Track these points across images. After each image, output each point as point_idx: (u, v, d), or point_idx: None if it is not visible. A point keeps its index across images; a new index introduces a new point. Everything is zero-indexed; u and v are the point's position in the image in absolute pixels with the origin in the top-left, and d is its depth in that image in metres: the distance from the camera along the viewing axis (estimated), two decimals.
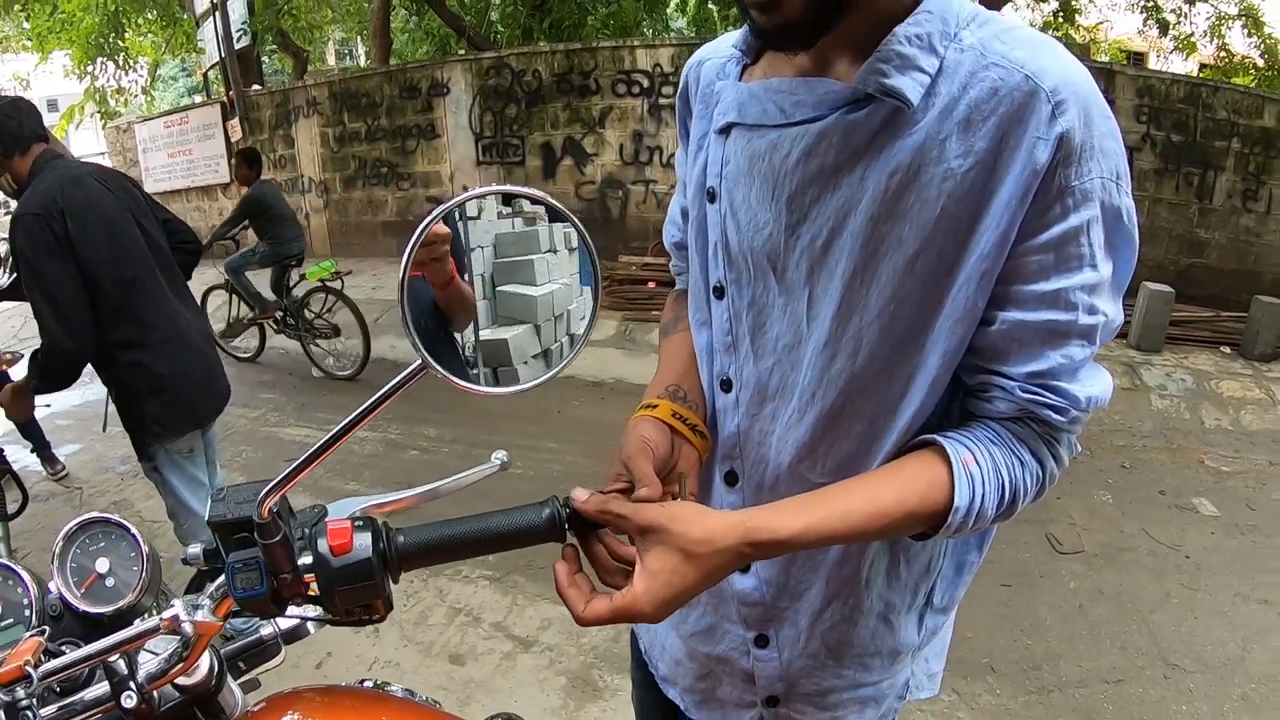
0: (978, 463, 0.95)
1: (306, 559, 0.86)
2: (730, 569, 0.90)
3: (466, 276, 0.91)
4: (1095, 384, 0.97)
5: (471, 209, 0.91)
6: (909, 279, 0.95)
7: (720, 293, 1.13)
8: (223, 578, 0.86)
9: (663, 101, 9.42)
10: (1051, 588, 3.87)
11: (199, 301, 5.16)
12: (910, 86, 0.89)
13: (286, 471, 0.81)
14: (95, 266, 2.74)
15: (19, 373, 3.04)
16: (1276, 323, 7.19)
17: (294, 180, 12.23)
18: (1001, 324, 0.94)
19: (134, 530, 1.09)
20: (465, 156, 10.57)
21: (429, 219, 0.83)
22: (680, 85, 1.23)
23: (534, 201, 0.93)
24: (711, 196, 1.11)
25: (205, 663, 0.97)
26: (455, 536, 0.90)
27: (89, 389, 7.14)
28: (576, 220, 0.93)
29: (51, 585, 1.07)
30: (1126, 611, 3.69)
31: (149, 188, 13.67)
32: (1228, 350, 7.37)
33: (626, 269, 8.72)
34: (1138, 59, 16.99)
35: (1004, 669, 3.29)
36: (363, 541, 0.86)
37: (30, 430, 5.19)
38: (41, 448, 5.31)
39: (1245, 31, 12.68)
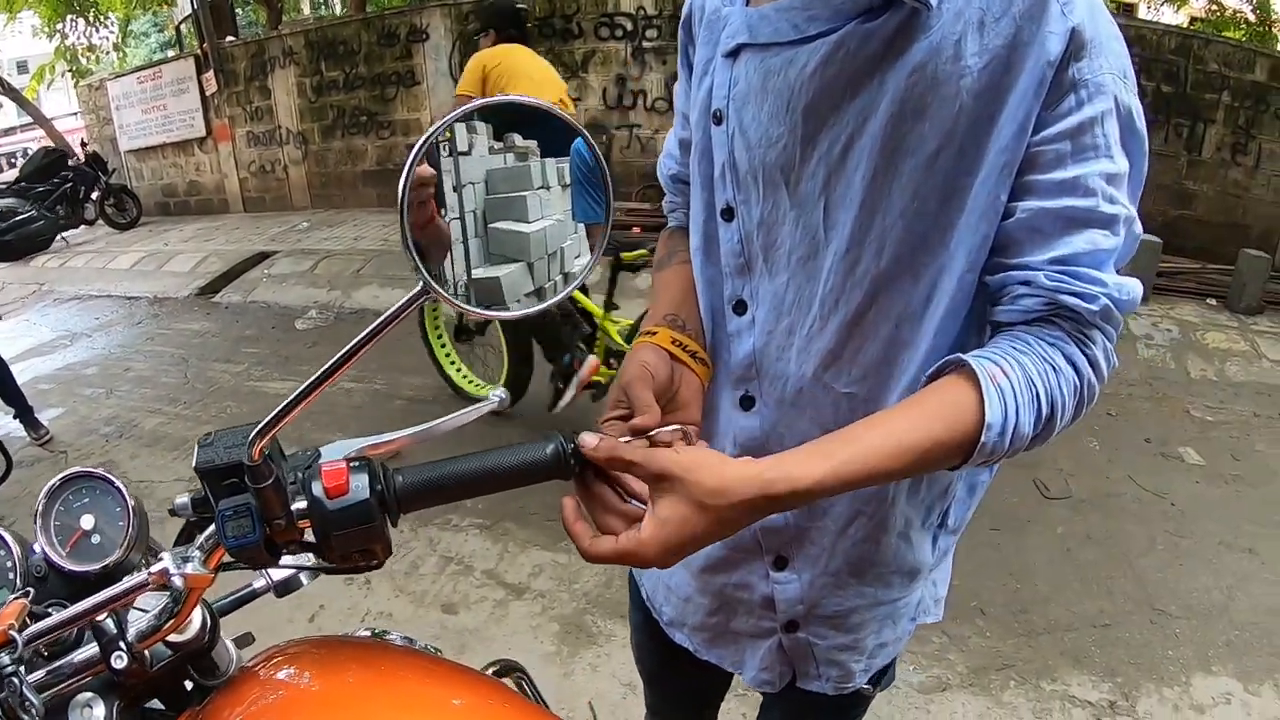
0: (1007, 376, 0.90)
1: (301, 503, 0.82)
2: (745, 523, 0.86)
3: (447, 215, 0.86)
4: (1124, 279, 0.95)
5: (462, 144, 0.87)
6: (931, 176, 0.95)
7: (729, 215, 1.12)
8: (213, 527, 0.82)
9: (646, 45, 9.30)
10: (1039, 532, 3.90)
11: None
12: None
13: (277, 410, 0.77)
14: None
15: None
16: (1262, 276, 7.19)
17: (271, 132, 12.10)
18: (1022, 214, 0.94)
19: (119, 483, 1.04)
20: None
21: (439, 125, 0.79)
22: (683, 14, 1.21)
23: (544, 112, 0.88)
24: (718, 119, 1.10)
25: (197, 618, 0.93)
26: (456, 475, 0.86)
27: (70, 351, 7.12)
28: (585, 132, 0.90)
29: (35, 545, 1.02)
30: (1113, 557, 3.71)
31: (124, 145, 13.67)
32: (1213, 302, 7.36)
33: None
34: (1128, 9, 16.93)
35: (993, 612, 3.31)
36: (359, 482, 0.82)
37: (11, 395, 5.14)
38: (23, 412, 5.24)
39: None
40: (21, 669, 0.80)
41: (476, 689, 0.98)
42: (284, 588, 1.09)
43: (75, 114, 16.16)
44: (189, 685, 1.00)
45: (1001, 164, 0.92)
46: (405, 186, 0.76)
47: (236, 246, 10.22)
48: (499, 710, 0.95)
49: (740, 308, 1.14)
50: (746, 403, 1.16)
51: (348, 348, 0.77)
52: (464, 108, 0.82)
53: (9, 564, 0.99)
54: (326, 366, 0.77)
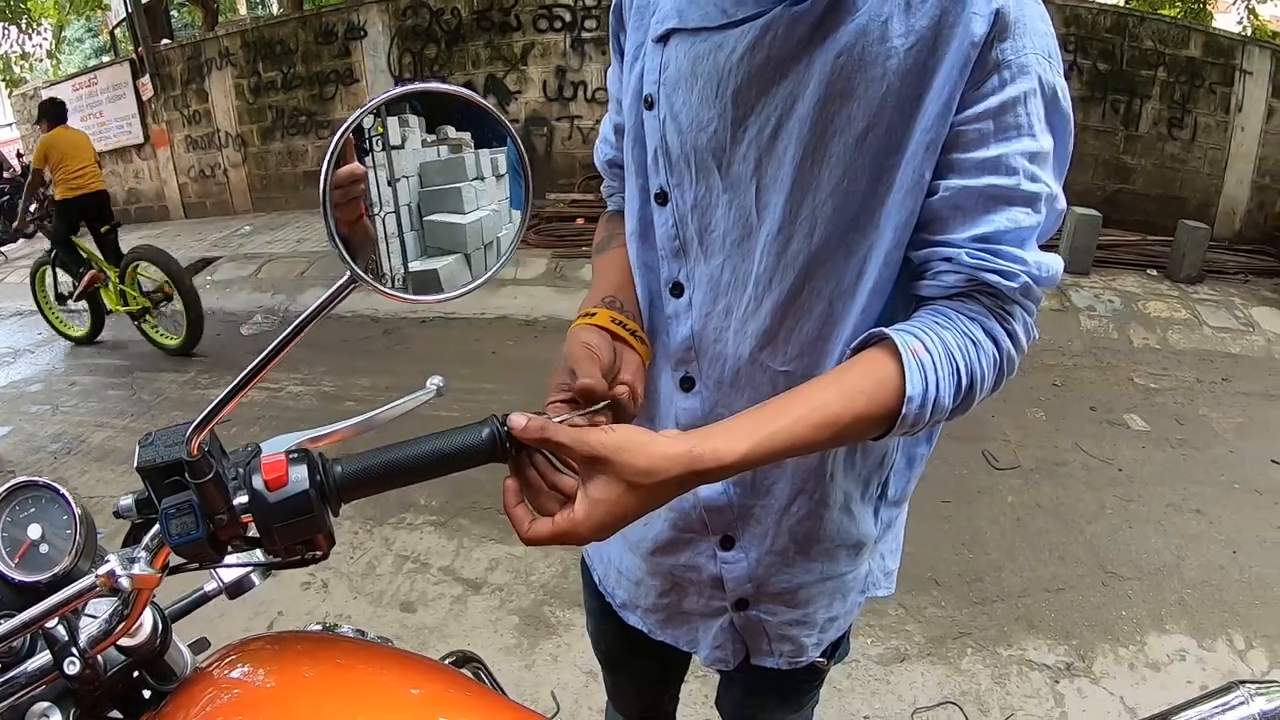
0: (927, 350, 0.92)
1: (242, 498, 0.82)
2: (673, 496, 0.88)
3: (381, 210, 0.86)
4: (1044, 256, 0.98)
5: (395, 137, 0.87)
6: (859, 155, 0.96)
7: (663, 199, 1.13)
8: (157, 527, 0.82)
9: (585, 36, 9.32)
10: (990, 502, 3.96)
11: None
12: None
13: (212, 405, 0.77)
14: None
15: None
16: (1201, 246, 7.39)
17: (210, 136, 11.90)
18: (945, 192, 0.95)
19: (65, 492, 1.03)
20: None
21: (355, 116, 0.78)
22: (614, 1, 1.22)
23: (462, 101, 0.87)
24: (649, 104, 1.11)
25: (148, 622, 0.93)
26: (394, 462, 0.87)
27: (13, 368, 6.98)
28: (500, 115, 0.89)
29: None
30: (1064, 523, 3.79)
31: None
32: (1154, 273, 7.54)
33: (554, 206, 8.68)
34: None
35: (947, 581, 3.37)
36: (298, 474, 0.82)
37: None
38: None
39: None
40: None
41: (432, 677, 0.98)
42: (236, 589, 1.09)
43: (9, 124, 15.81)
44: (146, 694, 1.00)
45: (926, 142, 0.94)
46: (326, 180, 0.76)
47: (179, 254, 9.92)
48: (455, 697, 0.95)
49: (677, 290, 1.15)
50: (687, 384, 1.17)
51: (278, 340, 0.78)
52: (375, 100, 0.80)
53: None
54: (258, 360, 0.78)
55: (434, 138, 0.91)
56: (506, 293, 7.19)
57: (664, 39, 1.08)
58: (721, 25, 1.00)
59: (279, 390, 5.67)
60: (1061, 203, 0.99)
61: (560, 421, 0.88)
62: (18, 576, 0.98)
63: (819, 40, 0.94)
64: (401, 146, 0.88)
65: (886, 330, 0.95)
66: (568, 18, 9.40)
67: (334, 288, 0.77)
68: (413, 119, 0.88)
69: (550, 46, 9.51)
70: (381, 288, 0.83)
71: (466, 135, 0.92)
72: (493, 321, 6.94)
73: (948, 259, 0.96)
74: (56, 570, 0.99)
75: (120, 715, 0.99)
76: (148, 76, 11.82)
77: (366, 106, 0.79)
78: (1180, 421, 4.88)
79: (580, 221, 8.27)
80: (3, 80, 15.14)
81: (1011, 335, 0.98)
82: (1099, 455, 4.38)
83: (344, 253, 0.78)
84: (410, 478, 0.88)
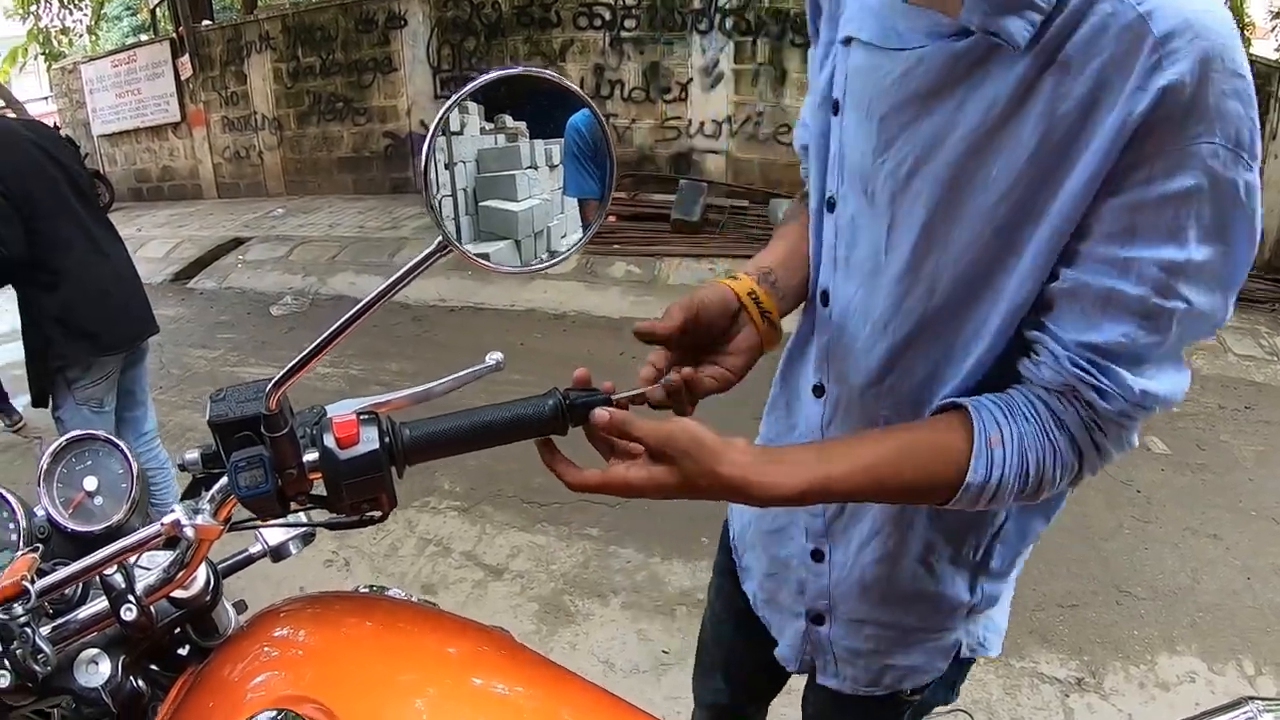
0: (1003, 441, 0.90)
1: (312, 455, 0.85)
2: (721, 498, 0.93)
3: (438, 193, 0.89)
4: (1160, 379, 0.88)
5: (454, 124, 0.90)
6: (991, 222, 0.90)
7: (832, 206, 1.11)
8: (222, 481, 0.85)
9: (624, 35, 9.31)
10: None
11: None
12: (1019, 28, 0.83)
13: (294, 362, 0.80)
14: (16, 195, 2.81)
15: None
16: None
17: (246, 118, 12.01)
18: (1064, 281, 0.88)
19: (123, 446, 1.07)
20: (422, 91, 10.41)
21: (465, 91, 0.82)
22: None
23: (558, 88, 0.90)
24: (835, 108, 1.08)
25: (202, 576, 0.96)
26: (459, 429, 0.90)
27: None
28: (590, 102, 0.92)
29: (37, 508, 1.04)
30: (1080, 540, 3.77)
31: (97, 130, 13.47)
32: None
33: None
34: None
35: None
36: (369, 434, 0.85)
37: None
38: None
39: None
40: (33, 621, 0.82)
41: (474, 639, 1.01)
42: (279, 553, 1.12)
43: (47, 98, 15.92)
44: (184, 651, 1.03)
45: (1061, 222, 0.86)
46: (430, 146, 0.81)
47: (211, 232, 10.15)
48: (507, 658, 0.97)
49: (824, 299, 1.14)
50: (818, 390, 1.18)
51: (368, 299, 0.79)
52: (486, 76, 0.83)
53: (12, 525, 1.01)
54: (342, 321, 0.80)
55: (492, 125, 0.93)
56: (536, 286, 7.21)
57: (847, 42, 1.04)
58: (888, 47, 0.96)
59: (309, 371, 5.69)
60: (1211, 315, 0.87)
61: (620, 398, 0.94)
62: (72, 526, 1.02)
63: (974, 83, 0.88)
64: (460, 133, 0.91)
65: (970, 406, 0.94)
66: (607, 16, 9.39)
67: (426, 251, 0.79)
68: (472, 106, 0.90)
69: (589, 44, 9.52)
70: (475, 257, 0.87)
71: (522, 125, 0.94)
72: (522, 314, 6.97)
73: (1052, 354, 0.90)
74: (110, 522, 1.03)
75: (157, 668, 1.02)
76: (187, 56, 11.95)
77: (476, 83, 0.82)
78: (1201, 446, 4.84)
79: (613, 219, 8.27)
80: (43, 54, 15.25)
81: (1099, 448, 0.92)
82: (1118, 475, 4.35)
83: (441, 220, 0.82)
84: (473, 444, 0.91)
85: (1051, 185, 0.85)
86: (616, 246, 7.70)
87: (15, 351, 6.50)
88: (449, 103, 0.82)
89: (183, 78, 12.22)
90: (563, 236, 1.00)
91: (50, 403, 3.13)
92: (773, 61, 8.88)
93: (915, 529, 1.13)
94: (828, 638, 1.28)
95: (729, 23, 8.92)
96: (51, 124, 13.86)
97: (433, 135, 0.81)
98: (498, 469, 4.08)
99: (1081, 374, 0.87)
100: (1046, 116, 0.84)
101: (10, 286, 3.03)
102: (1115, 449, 0.93)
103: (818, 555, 1.24)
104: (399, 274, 0.80)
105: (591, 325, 6.67)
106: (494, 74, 0.84)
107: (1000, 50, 0.85)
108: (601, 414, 0.92)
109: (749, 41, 8.96)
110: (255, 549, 1.13)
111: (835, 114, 1.08)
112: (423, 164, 0.82)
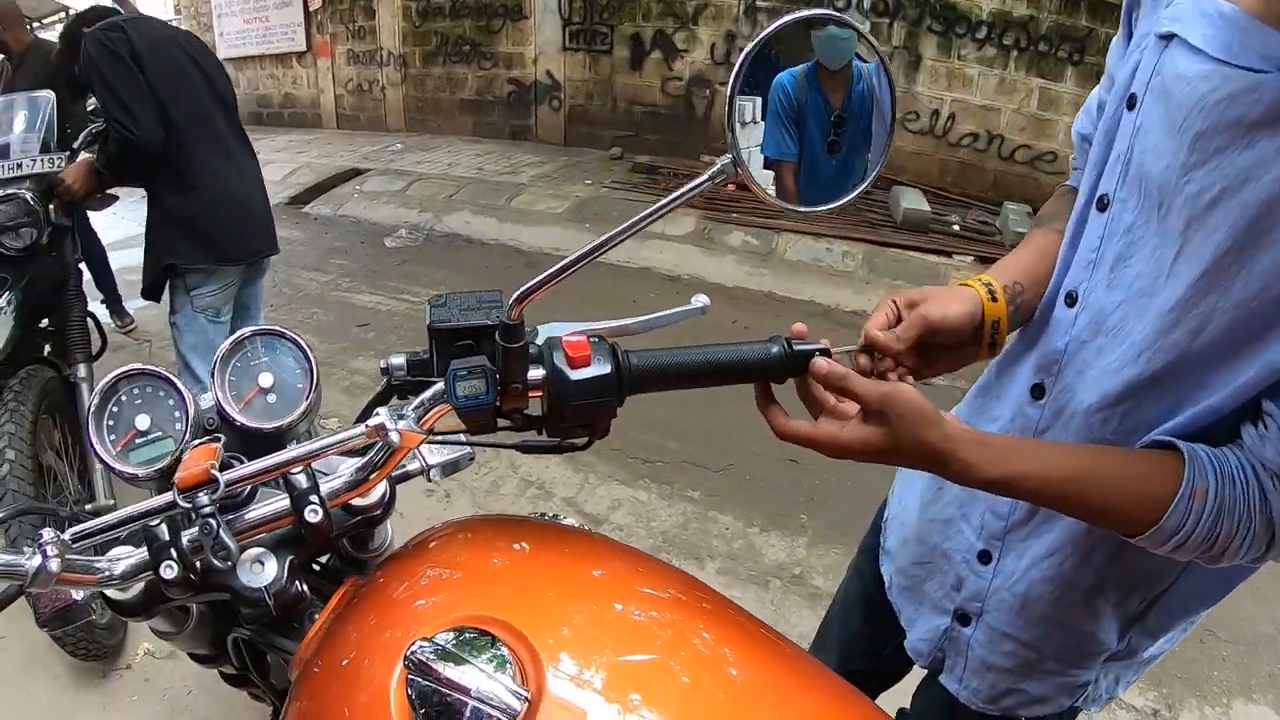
0: (1205, 497, 0.87)
1: (536, 373, 0.84)
2: (921, 467, 0.94)
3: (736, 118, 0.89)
4: None
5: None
6: (1279, 284, 0.84)
7: (1104, 205, 1.03)
8: (432, 390, 0.83)
9: (760, 4, 9.08)
10: None
11: None
12: None
13: (544, 276, 0.78)
14: (156, 87, 2.88)
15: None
16: None
17: (372, 52, 12.14)
18: None
19: (304, 343, 1.04)
20: (550, 41, 10.38)
21: (775, 27, 0.85)
22: None
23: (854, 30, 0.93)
24: (1131, 103, 1.00)
25: (381, 486, 0.94)
26: (685, 364, 0.90)
27: None
28: (884, 57, 0.93)
29: (206, 397, 1.02)
30: None
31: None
32: None
33: (707, 168, 8.59)
34: None
35: None
36: (602, 357, 0.85)
37: (104, 282, 5.26)
38: (113, 300, 5.39)
39: None
40: (217, 513, 0.80)
41: (666, 575, 0.97)
42: (450, 468, 1.09)
43: (176, 18, 16.32)
44: (335, 562, 1.02)
45: None
46: (739, 73, 0.85)
47: (329, 161, 10.35)
48: (692, 600, 0.92)
49: (1071, 300, 1.07)
50: (1037, 391, 1.12)
51: (633, 220, 0.78)
52: (791, 16, 0.86)
53: (179, 413, 0.98)
54: (603, 239, 0.78)
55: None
56: (653, 245, 7.14)
57: (1167, 38, 0.95)
58: (1219, 59, 0.88)
59: (418, 304, 5.77)
60: None
61: (837, 354, 0.95)
62: (244, 420, 1.00)
63: None
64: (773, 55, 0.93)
65: (1186, 452, 0.90)
66: None
67: (714, 169, 0.80)
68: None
69: (723, 9, 9.32)
70: (755, 185, 0.87)
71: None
72: (637, 271, 6.90)
73: None
74: (283, 422, 1.00)
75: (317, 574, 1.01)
76: None
77: (784, 21, 0.87)
78: None
79: (732, 187, 8.20)
80: None
81: None
82: None
83: (735, 141, 0.83)
84: (697, 382, 0.91)
85: None
86: (735, 215, 7.58)
87: (131, 256, 6.73)
88: (761, 37, 0.86)
89: (311, 8, 12.41)
90: None
91: (170, 308, 3.21)
92: (908, 46, 8.66)
93: (1091, 562, 1.10)
94: (968, 640, 1.26)
95: (868, 2, 8.71)
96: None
97: (742, 63, 0.85)
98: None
99: None
100: None
101: (142, 189, 3.10)
102: None
103: (985, 556, 1.21)
104: (685, 189, 0.80)
105: (705, 290, 6.52)
106: (806, 13, 0.87)
107: None
108: (822, 363, 0.92)
109: (886, 23, 8.72)
110: (413, 466, 1.08)
111: (1130, 109, 1.00)
112: (732, 86, 0.84)
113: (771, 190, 0.91)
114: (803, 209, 0.94)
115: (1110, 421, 1.01)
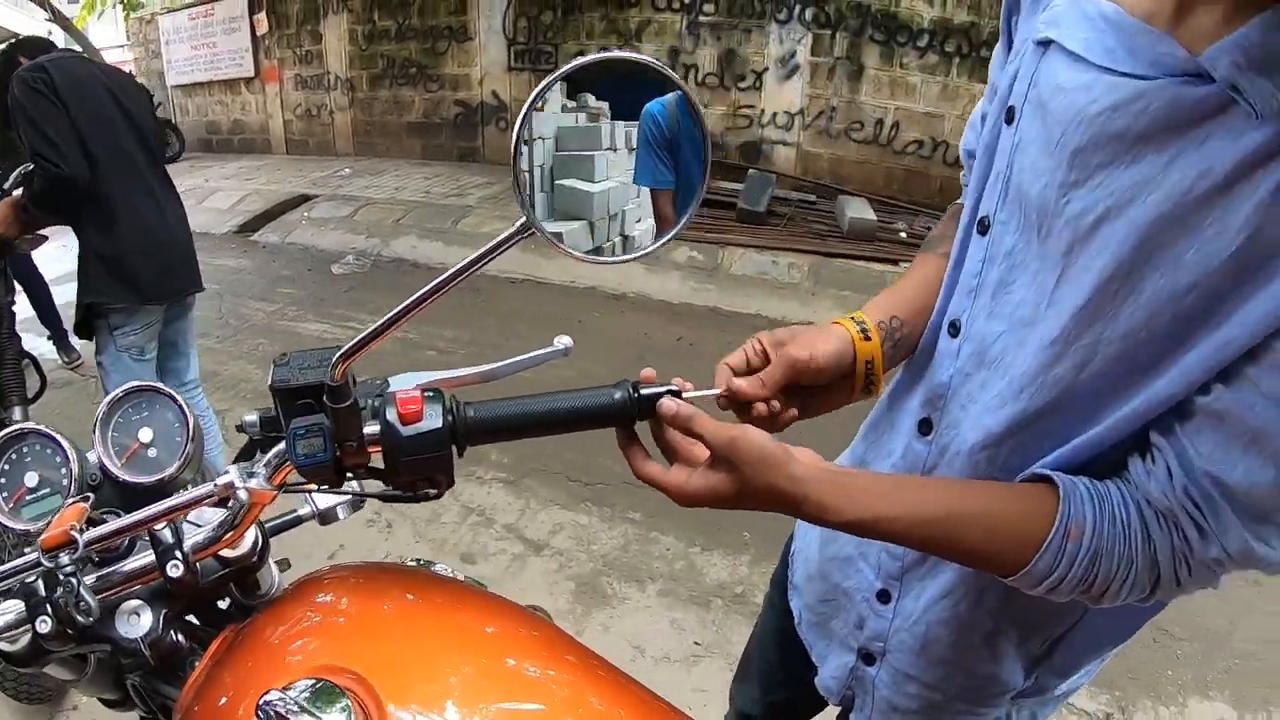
0: (1082, 537, 0.82)
1: (372, 429, 0.84)
2: (775, 510, 0.90)
3: (527, 176, 0.87)
4: (1275, 545, 0.77)
5: (537, 100, 0.89)
6: (1173, 307, 0.76)
7: (984, 228, 0.97)
8: (279, 446, 0.85)
9: (703, 20, 9.20)
10: None
11: None
12: (1268, 94, 0.68)
13: (365, 334, 0.79)
14: (78, 123, 2.91)
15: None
16: None
17: (319, 77, 12.13)
18: (1216, 398, 0.76)
19: (180, 400, 1.07)
20: (496, 61, 10.42)
21: (561, 73, 0.80)
22: None
23: (659, 75, 0.85)
24: (1010, 117, 0.93)
25: (250, 536, 0.96)
26: (524, 414, 0.89)
27: None
28: (690, 92, 0.88)
29: (90, 454, 1.03)
30: None
31: (170, 80, 13.73)
32: None
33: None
34: None
35: None
36: (433, 411, 0.84)
37: (48, 317, 5.22)
38: (58, 335, 5.35)
39: None
40: (79, 571, 0.82)
41: (521, 622, 0.99)
42: (327, 517, 1.11)
43: (124, 46, 16.16)
44: (224, 605, 1.03)
45: (1243, 333, 0.73)
46: (522, 125, 0.78)
47: (278, 187, 10.29)
48: (544, 642, 0.96)
49: (954, 330, 1.02)
50: (924, 427, 1.07)
51: (443, 277, 0.78)
52: (590, 58, 0.81)
53: (64, 471, 1.01)
54: (415, 297, 0.79)
55: (574, 104, 0.91)
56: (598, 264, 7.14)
57: (1044, 45, 0.89)
58: (1100, 65, 0.81)
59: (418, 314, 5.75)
60: None
61: (691, 397, 0.92)
62: (124, 476, 1.02)
63: (1190, 142, 0.73)
64: (541, 109, 0.89)
65: (1062, 488, 0.85)
66: None
67: (510, 230, 0.77)
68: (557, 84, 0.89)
69: (666, 25, 9.44)
70: (556, 243, 0.84)
71: (605, 105, 0.92)
72: (583, 291, 6.93)
73: (1169, 472, 0.80)
74: (163, 475, 1.02)
75: (197, 622, 1.02)
76: (264, 13, 12.10)
77: (571, 65, 0.81)
78: None
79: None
80: (121, 3, 15.45)
81: (1179, 583, 0.84)
82: None
83: (527, 202, 0.80)
84: (536, 430, 0.90)
85: (1249, 288, 0.72)
86: (685, 232, 7.61)
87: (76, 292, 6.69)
88: (545, 82, 0.79)
89: (258, 34, 12.39)
90: (637, 222, 0.98)
91: (95, 347, 3.21)
92: (850, 56, 8.77)
93: (984, 604, 1.05)
94: (872, 680, 1.22)
95: (809, 14, 8.81)
96: (127, 71, 14.12)
97: (524, 117, 0.79)
98: (546, 445, 4.07)
99: (1191, 507, 0.78)
100: (1264, 209, 0.69)
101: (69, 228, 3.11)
102: (1196, 587, 0.85)
103: (884, 596, 1.16)
104: (479, 253, 0.78)
105: (650, 308, 6.64)
106: (598, 56, 0.82)
107: (1233, 111, 0.71)
108: (669, 405, 0.90)
109: (828, 34, 8.84)
110: (304, 511, 1.12)
111: (1009, 124, 0.94)
112: (513, 145, 0.79)
113: (562, 240, 0.88)
114: (610, 259, 0.94)
115: (996, 460, 0.95)
